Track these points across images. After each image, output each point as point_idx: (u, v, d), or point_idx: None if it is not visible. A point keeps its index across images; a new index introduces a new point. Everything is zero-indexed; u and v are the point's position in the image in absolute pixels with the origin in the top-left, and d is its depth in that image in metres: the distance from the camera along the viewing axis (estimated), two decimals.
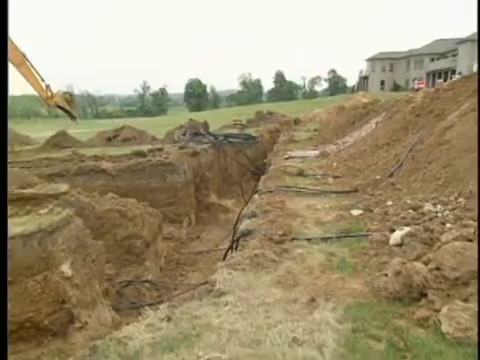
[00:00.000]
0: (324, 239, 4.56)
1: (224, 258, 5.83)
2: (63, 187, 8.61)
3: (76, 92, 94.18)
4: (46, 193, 8.14)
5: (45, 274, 5.38)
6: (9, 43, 13.69)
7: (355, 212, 5.45)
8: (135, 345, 2.74)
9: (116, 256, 7.93)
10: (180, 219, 11.04)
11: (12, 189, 8.49)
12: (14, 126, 26.58)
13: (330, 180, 7.95)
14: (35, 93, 15.51)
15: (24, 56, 14.18)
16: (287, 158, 11.27)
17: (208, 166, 14.22)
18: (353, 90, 71.65)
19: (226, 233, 10.47)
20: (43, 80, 14.75)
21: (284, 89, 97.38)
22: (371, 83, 67.38)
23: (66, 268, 5.61)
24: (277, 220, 5.21)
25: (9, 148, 16.52)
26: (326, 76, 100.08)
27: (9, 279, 5.25)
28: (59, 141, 16.33)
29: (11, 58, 13.94)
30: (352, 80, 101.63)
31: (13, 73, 14.82)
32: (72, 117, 16.04)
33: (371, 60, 69.15)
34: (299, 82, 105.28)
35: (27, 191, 8.19)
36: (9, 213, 7.11)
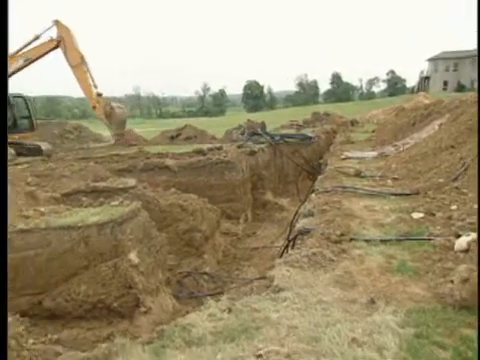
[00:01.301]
0: (383, 241, 4.37)
1: (281, 255, 5.81)
2: (131, 181, 9.06)
3: (142, 94, 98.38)
4: (117, 187, 8.62)
5: (115, 261, 5.67)
6: (70, 43, 13.66)
7: (416, 215, 5.18)
8: (198, 332, 2.81)
9: (177, 248, 8.18)
10: (237, 215, 11.15)
11: (88, 182, 9.09)
12: (88, 125, 28.35)
13: (389, 182, 7.62)
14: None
15: (82, 58, 13.73)
16: (344, 158, 10.97)
17: (265, 165, 14.21)
18: (413, 91, 68.07)
19: (281, 231, 10.41)
20: (96, 87, 14.21)
21: (340, 90, 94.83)
22: (432, 83, 63.62)
23: (133, 256, 5.88)
24: (335, 220, 5.08)
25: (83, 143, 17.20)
26: (384, 77, 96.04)
27: (85, 263, 5.63)
28: (127, 139, 17.10)
29: (70, 59, 13.60)
30: (412, 81, 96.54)
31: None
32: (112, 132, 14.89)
33: (433, 60, 65.29)
34: (356, 83, 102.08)
35: (101, 184, 8.72)
36: (85, 203, 7.62)
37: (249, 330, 2.81)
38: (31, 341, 4.18)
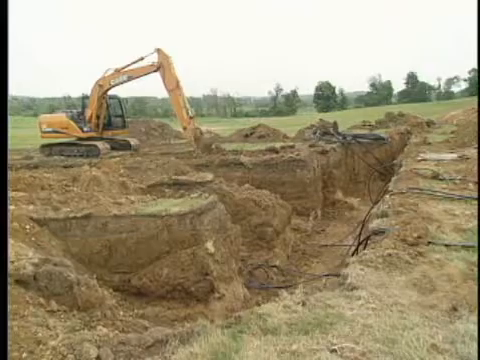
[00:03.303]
0: (465, 247, 4.01)
1: (353, 254, 5.61)
2: (209, 176, 9.34)
3: (219, 94, 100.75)
4: (196, 180, 8.95)
5: (194, 248, 5.90)
6: (168, 69, 13.90)
7: None
8: (273, 322, 2.82)
9: (249, 240, 8.28)
10: (307, 212, 10.99)
11: (170, 175, 9.56)
12: (169, 122, 29.76)
13: (470, 185, 6.95)
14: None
15: (178, 83, 14.07)
16: (420, 160, 10.24)
17: (336, 164, 13.83)
18: None
19: (350, 229, 10.06)
20: (187, 109, 14.29)
21: (416, 90, 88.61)
22: None
23: (210, 245, 6.07)
24: (411, 222, 4.76)
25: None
26: (466, 76, 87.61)
27: (167, 249, 5.93)
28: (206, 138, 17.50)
29: (166, 83, 14.08)
30: None
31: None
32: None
33: None
34: (433, 83, 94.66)
35: (181, 178, 9.12)
36: (167, 194, 8.02)
37: (323, 325, 2.75)
38: (121, 313, 4.52)
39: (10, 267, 3.53)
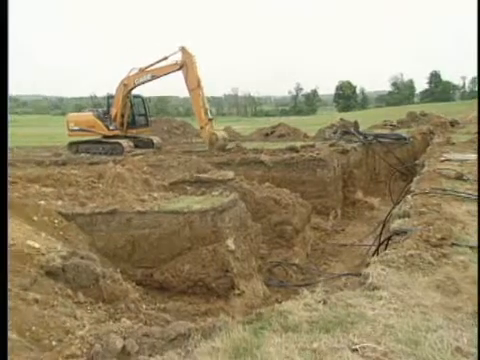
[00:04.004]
0: None
1: (373, 254, 5.52)
2: (230, 174, 9.35)
3: (240, 94, 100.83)
4: (217, 178, 8.98)
5: (215, 245, 5.94)
6: (191, 68, 13.91)
7: None
8: (294, 319, 2.80)
9: (269, 238, 8.26)
10: (327, 212, 10.88)
11: (192, 173, 9.63)
12: (191, 122, 29.94)
13: None
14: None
15: (199, 83, 14.09)
16: (443, 160, 9.97)
17: (356, 164, 13.63)
18: None
19: (370, 229, 9.91)
20: (206, 110, 14.29)
21: (439, 89, 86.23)
22: None
23: (231, 243, 6.09)
24: (434, 223, 4.64)
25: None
26: None
27: (188, 245, 5.98)
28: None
29: (188, 82, 14.06)
30: None
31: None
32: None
33: None
34: (457, 82, 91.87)
35: (203, 176, 9.17)
36: (189, 192, 8.08)
37: (344, 324, 2.72)
38: (144, 307, 4.59)
39: (41, 259, 3.65)
